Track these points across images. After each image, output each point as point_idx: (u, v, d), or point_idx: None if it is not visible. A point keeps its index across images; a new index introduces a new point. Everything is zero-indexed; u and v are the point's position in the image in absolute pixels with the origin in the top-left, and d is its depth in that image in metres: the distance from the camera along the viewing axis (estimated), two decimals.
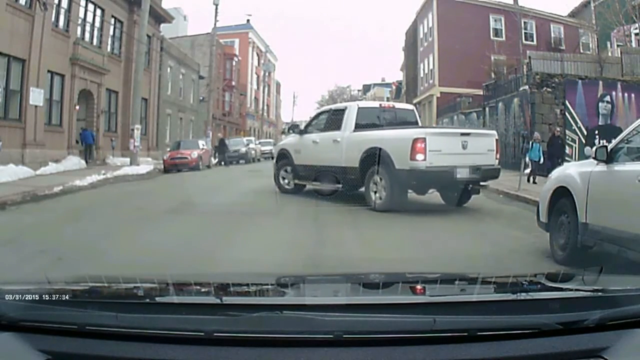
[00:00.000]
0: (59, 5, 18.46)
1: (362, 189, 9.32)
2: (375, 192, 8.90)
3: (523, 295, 1.76)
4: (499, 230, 7.42)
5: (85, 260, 4.98)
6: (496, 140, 9.33)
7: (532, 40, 30.00)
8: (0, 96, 15.39)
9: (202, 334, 1.33)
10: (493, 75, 25.64)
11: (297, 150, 10.96)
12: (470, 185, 9.03)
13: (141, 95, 21.83)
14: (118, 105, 24.08)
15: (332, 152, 9.87)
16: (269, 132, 62.63)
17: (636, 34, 22.02)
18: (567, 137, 17.28)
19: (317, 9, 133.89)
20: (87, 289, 1.83)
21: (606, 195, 4.70)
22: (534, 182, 13.44)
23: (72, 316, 1.40)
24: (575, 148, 17.36)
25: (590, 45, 26.48)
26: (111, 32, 23.22)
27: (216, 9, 31.12)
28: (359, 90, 70.80)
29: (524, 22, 28.16)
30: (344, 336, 1.31)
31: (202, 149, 23.40)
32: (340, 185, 9.79)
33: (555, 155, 14.91)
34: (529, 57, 19.32)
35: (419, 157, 8.34)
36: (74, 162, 18.14)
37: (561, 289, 1.87)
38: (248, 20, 53.85)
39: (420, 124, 11.32)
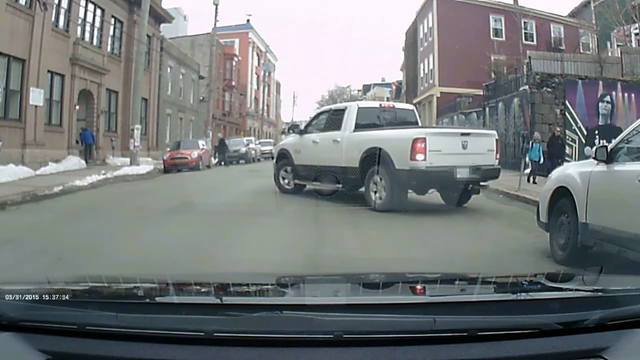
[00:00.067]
0: (59, 5, 18.44)
1: (362, 189, 9.31)
2: (375, 192, 8.90)
3: (523, 295, 1.76)
4: (499, 230, 7.42)
5: (85, 260, 4.97)
6: (496, 140, 9.33)
7: (532, 40, 29.99)
8: (0, 96, 15.38)
9: (202, 334, 1.33)
10: (493, 75, 25.63)
11: (297, 150, 10.96)
12: (470, 185, 9.02)
13: (141, 95, 21.83)
14: (118, 105, 24.07)
15: (332, 152, 9.87)
16: (269, 132, 62.61)
17: (636, 34, 22.02)
18: (567, 137, 17.27)
19: (317, 9, 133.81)
20: (87, 289, 1.83)
21: (606, 195, 4.70)
22: (534, 182, 13.43)
23: (72, 316, 1.39)
24: (575, 148, 17.36)
25: (590, 45, 26.48)
26: (111, 32, 23.21)
27: (216, 9, 31.17)
28: (359, 90, 70.82)
29: (524, 22, 28.14)
30: (344, 336, 1.31)
31: (202, 149, 23.40)
32: (340, 185, 9.79)
33: (555, 155, 14.90)
34: (529, 57, 19.32)
35: (419, 157, 8.34)
36: (74, 162, 18.14)
37: (561, 289, 1.87)
38: (248, 21, 53.92)
39: (420, 124, 11.32)
